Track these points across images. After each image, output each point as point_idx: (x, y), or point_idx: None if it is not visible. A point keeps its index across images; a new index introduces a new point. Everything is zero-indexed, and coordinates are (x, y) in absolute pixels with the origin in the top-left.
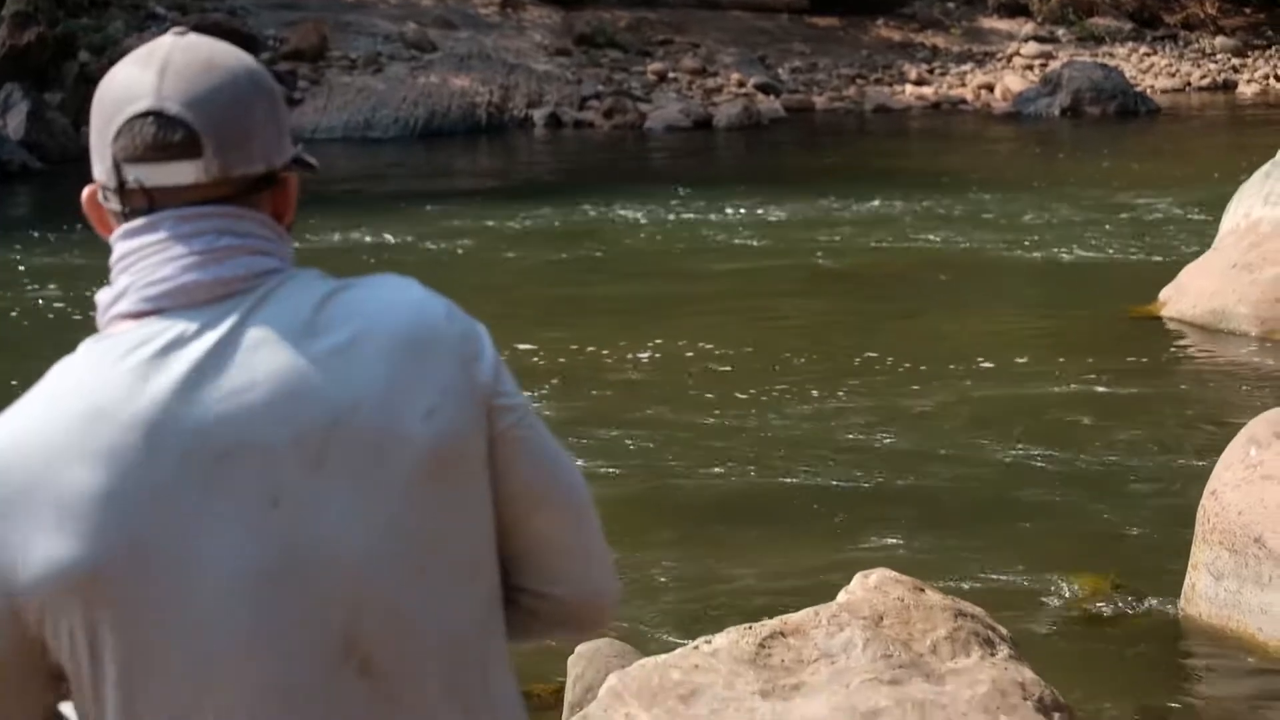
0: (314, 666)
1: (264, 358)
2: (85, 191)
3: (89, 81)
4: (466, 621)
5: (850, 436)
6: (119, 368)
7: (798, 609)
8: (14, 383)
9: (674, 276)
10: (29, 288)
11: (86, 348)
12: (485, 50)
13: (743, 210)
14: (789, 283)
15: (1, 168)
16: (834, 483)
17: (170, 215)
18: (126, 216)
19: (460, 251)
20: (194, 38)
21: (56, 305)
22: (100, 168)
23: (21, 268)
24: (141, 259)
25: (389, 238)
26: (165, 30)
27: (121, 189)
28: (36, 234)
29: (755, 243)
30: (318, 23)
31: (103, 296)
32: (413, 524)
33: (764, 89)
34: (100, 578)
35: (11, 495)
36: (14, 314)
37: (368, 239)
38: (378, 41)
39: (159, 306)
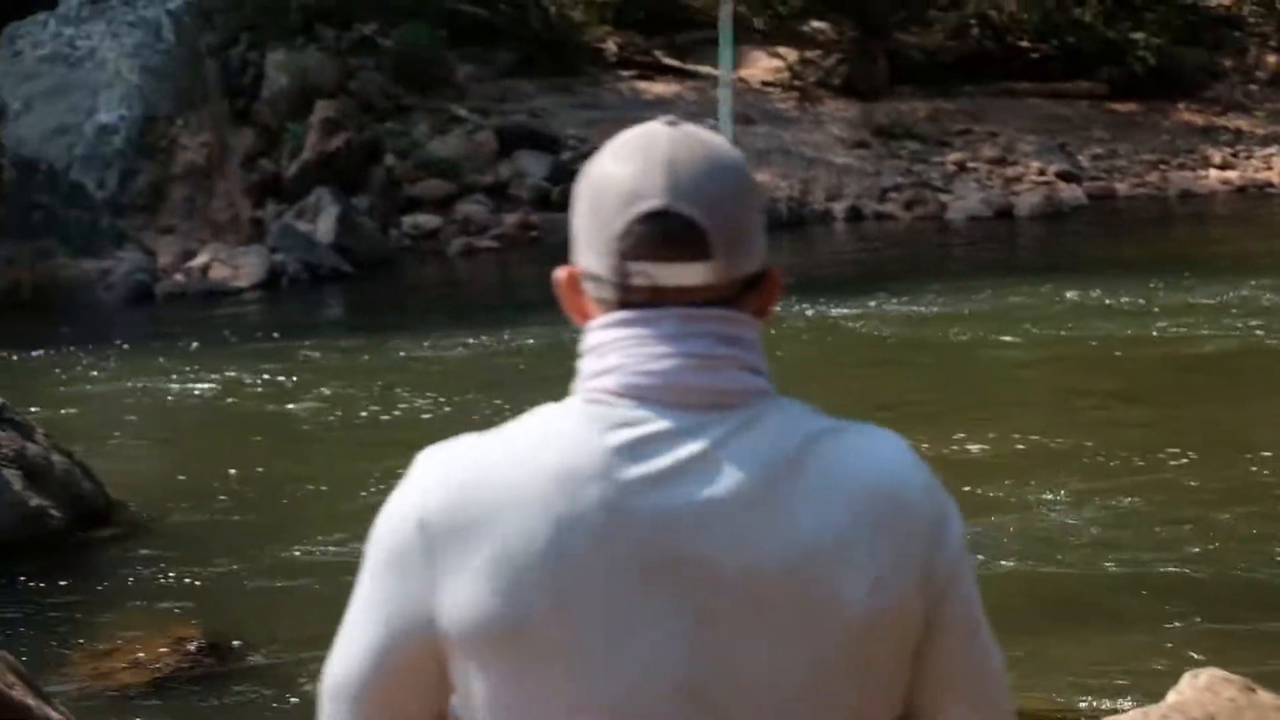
0: None
1: (738, 481)
2: (562, 274)
3: (395, 185)
4: None
5: (1163, 528)
6: (601, 441)
7: (1124, 708)
8: (323, 488)
9: (978, 367)
10: (341, 389)
11: (575, 408)
12: (784, 144)
13: (1048, 299)
14: (1095, 372)
15: (313, 271)
16: (1152, 575)
17: (673, 314)
18: (621, 305)
19: (767, 345)
20: (688, 129)
21: (371, 406)
22: (597, 260)
23: (334, 368)
24: (637, 346)
25: None
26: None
27: (624, 284)
28: (349, 337)
29: (1060, 332)
30: (617, 122)
31: (588, 365)
32: (827, 685)
33: (1065, 176)
34: (520, 636)
35: (462, 526)
36: (329, 414)
37: None
38: None
39: (646, 396)
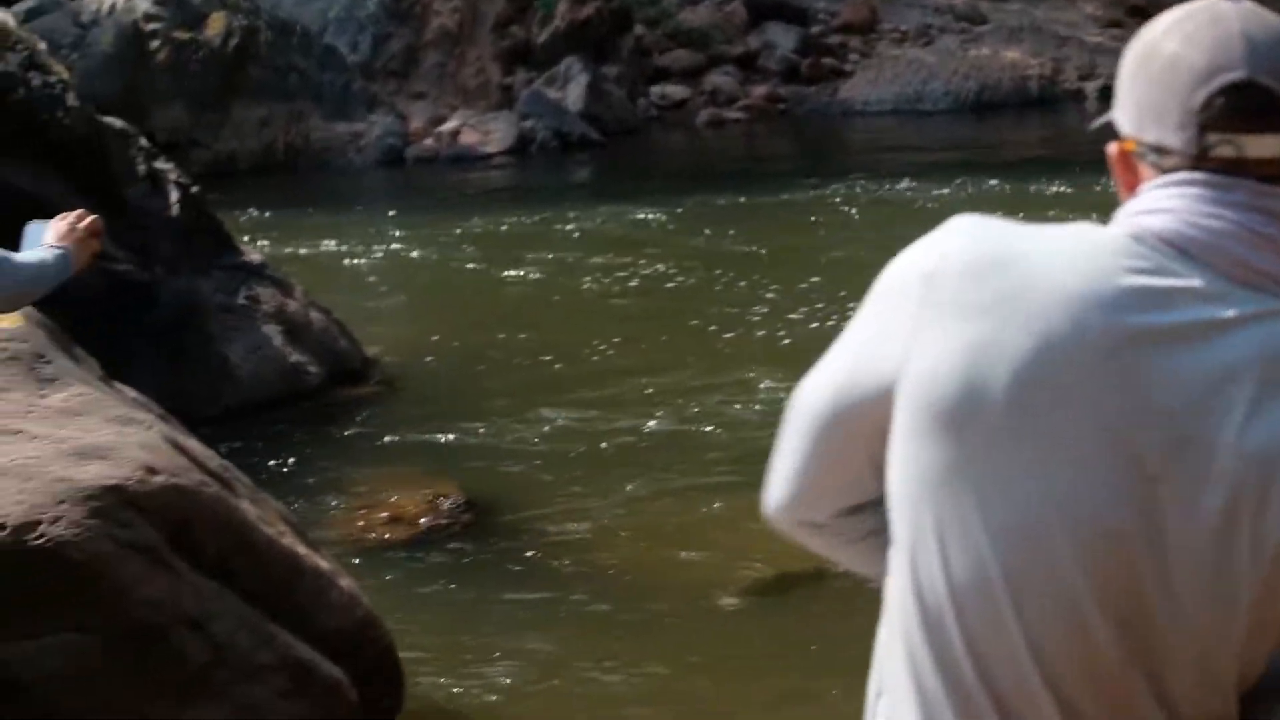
0: (1075, 652)
1: (1247, 360)
2: (1114, 149)
3: (644, 54)
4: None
5: None
6: (1129, 276)
7: None
8: (570, 351)
9: None
10: (588, 255)
11: (1114, 235)
12: (1036, 22)
13: None
14: None
15: (561, 138)
16: None
17: (1247, 184)
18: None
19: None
20: (1248, 3)
21: (617, 274)
22: (1169, 133)
23: (582, 235)
24: (1197, 201)
25: (930, 200)
26: None
27: (1202, 154)
28: (596, 204)
29: None
30: None
31: (1137, 205)
32: (1242, 581)
33: None
34: (973, 420)
35: (964, 296)
36: (578, 280)
37: (911, 198)
38: (928, 14)
39: (1187, 249)
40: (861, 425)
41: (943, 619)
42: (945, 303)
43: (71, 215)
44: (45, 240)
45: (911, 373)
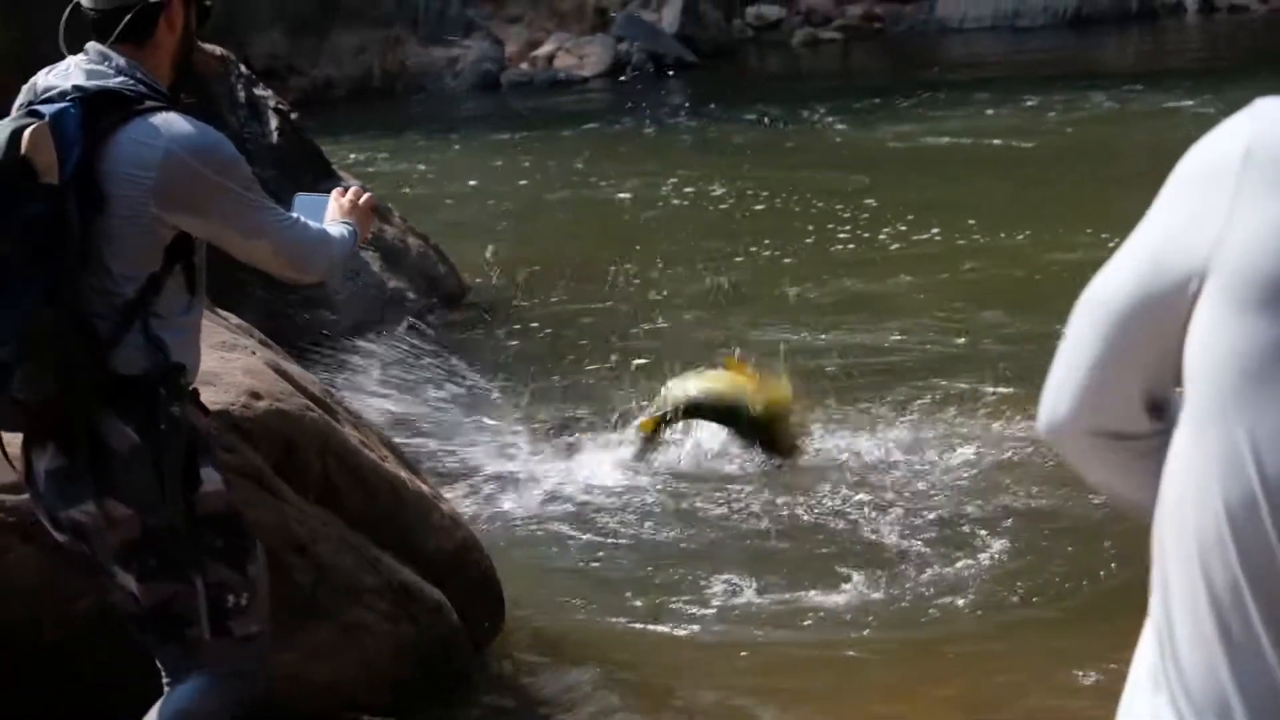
0: None
1: None
2: None
3: None
4: None
5: None
6: None
7: None
8: (672, 273)
9: None
10: (688, 177)
11: None
12: None
13: None
14: None
15: (657, 61)
16: None
17: None
18: None
19: (1090, 135)
20: None
21: (712, 197)
22: None
23: (680, 157)
24: None
25: (1027, 118)
26: None
27: None
28: (692, 127)
29: None
30: None
31: None
32: None
33: None
34: None
35: (1276, 173)
36: (677, 202)
37: (1005, 120)
38: None
39: None
40: (1165, 313)
41: (1255, 514)
42: (1267, 181)
43: (350, 192)
44: (328, 215)
45: (1231, 250)
